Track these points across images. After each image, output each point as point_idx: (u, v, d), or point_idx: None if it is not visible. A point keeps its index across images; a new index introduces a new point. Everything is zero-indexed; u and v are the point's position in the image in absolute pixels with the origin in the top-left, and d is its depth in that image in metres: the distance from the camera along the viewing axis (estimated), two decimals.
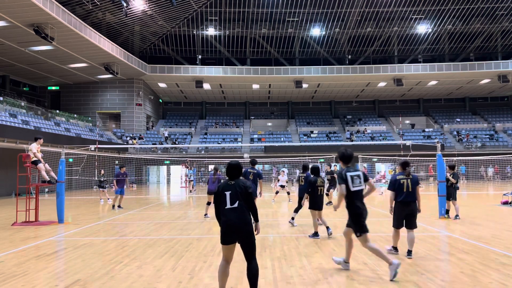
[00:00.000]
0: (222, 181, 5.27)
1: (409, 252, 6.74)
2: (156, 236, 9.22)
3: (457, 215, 11.23)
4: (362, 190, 5.81)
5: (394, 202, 6.80)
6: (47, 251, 7.69)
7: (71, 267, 6.43)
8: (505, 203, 14.98)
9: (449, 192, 11.42)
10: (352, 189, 5.68)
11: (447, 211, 11.53)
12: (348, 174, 5.71)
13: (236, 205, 4.67)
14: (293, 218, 10.49)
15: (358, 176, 5.75)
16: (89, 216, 13.23)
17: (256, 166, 10.74)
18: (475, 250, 7.23)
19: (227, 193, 4.73)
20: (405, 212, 6.67)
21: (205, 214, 12.42)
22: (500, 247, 7.46)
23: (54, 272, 6.17)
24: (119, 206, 15.42)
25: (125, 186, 15.84)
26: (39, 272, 6.14)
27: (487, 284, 5.25)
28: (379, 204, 16.19)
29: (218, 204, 4.79)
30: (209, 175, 12.91)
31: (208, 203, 12.37)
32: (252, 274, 4.64)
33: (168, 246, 8.03)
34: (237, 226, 4.60)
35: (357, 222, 5.70)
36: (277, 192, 18.56)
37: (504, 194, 16.23)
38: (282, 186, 18.75)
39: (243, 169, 10.84)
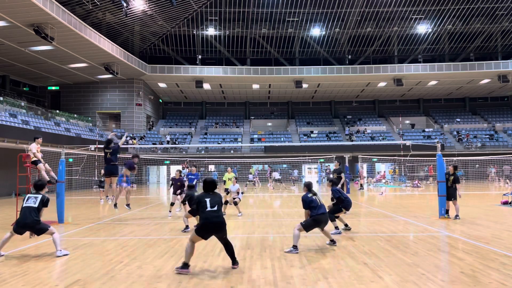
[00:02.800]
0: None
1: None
2: (156, 236, 9.22)
3: (457, 215, 11.23)
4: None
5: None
6: (47, 251, 7.69)
7: (71, 267, 6.43)
8: (505, 203, 14.98)
9: (449, 193, 11.44)
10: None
11: (447, 211, 11.53)
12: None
13: (216, 208, 6.11)
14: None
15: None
16: (89, 216, 13.22)
17: None
18: (475, 250, 7.23)
19: (207, 199, 6.14)
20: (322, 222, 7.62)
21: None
22: (500, 247, 7.46)
23: (54, 272, 6.17)
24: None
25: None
26: (39, 272, 6.14)
27: (487, 284, 5.25)
28: (379, 204, 16.19)
29: (199, 208, 6.15)
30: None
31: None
32: (231, 250, 6.27)
33: (168, 246, 8.03)
34: (217, 224, 6.05)
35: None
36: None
37: (504, 194, 16.24)
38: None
39: None
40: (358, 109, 49.62)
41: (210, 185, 6.32)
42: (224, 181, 16.60)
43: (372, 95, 47.36)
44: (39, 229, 7.44)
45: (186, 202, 10.49)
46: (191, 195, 9.48)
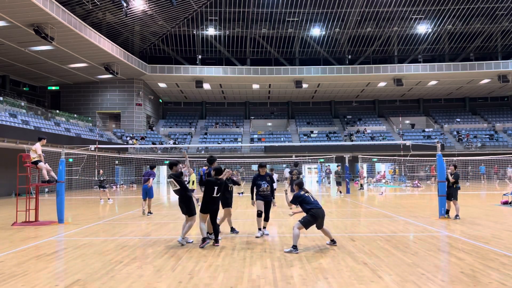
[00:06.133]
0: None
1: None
2: (156, 236, 9.22)
3: (457, 215, 11.23)
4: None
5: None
6: (47, 251, 7.69)
7: (71, 267, 6.43)
8: (505, 203, 14.98)
9: (450, 192, 11.42)
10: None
11: (447, 211, 11.53)
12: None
13: (218, 195, 7.97)
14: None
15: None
16: (89, 216, 13.22)
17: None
18: (475, 250, 7.23)
19: (216, 187, 7.88)
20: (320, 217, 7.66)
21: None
22: (500, 247, 7.46)
23: (54, 272, 6.17)
24: None
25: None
26: (39, 272, 6.14)
27: (487, 284, 5.26)
28: (379, 204, 16.19)
29: (208, 191, 7.92)
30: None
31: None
32: (217, 230, 8.16)
33: (168, 246, 8.03)
34: (216, 208, 8.04)
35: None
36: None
37: (504, 194, 16.24)
38: None
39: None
40: (358, 109, 49.62)
41: (219, 172, 8.13)
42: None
43: (372, 95, 47.36)
44: (188, 209, 8.27)
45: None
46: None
